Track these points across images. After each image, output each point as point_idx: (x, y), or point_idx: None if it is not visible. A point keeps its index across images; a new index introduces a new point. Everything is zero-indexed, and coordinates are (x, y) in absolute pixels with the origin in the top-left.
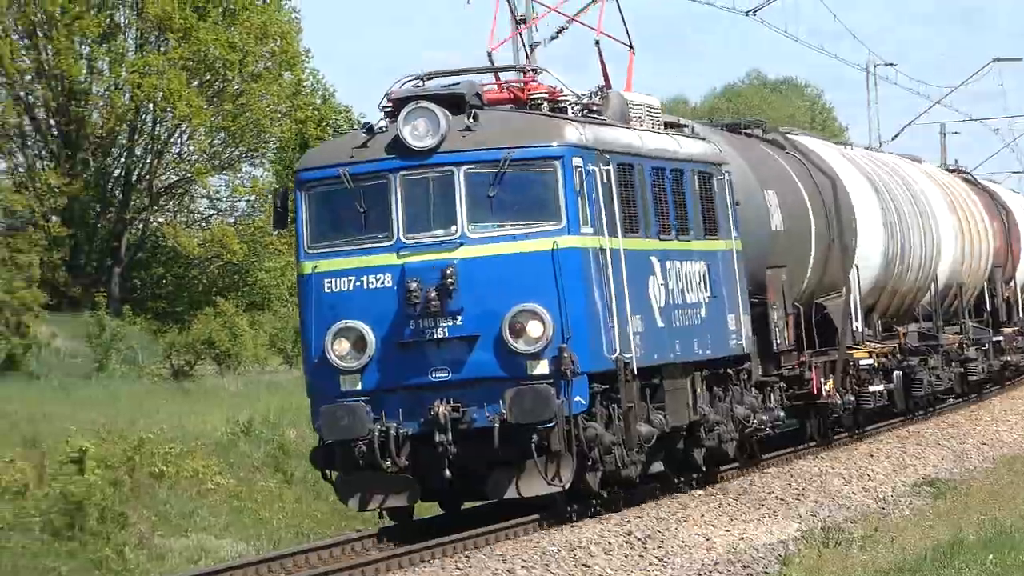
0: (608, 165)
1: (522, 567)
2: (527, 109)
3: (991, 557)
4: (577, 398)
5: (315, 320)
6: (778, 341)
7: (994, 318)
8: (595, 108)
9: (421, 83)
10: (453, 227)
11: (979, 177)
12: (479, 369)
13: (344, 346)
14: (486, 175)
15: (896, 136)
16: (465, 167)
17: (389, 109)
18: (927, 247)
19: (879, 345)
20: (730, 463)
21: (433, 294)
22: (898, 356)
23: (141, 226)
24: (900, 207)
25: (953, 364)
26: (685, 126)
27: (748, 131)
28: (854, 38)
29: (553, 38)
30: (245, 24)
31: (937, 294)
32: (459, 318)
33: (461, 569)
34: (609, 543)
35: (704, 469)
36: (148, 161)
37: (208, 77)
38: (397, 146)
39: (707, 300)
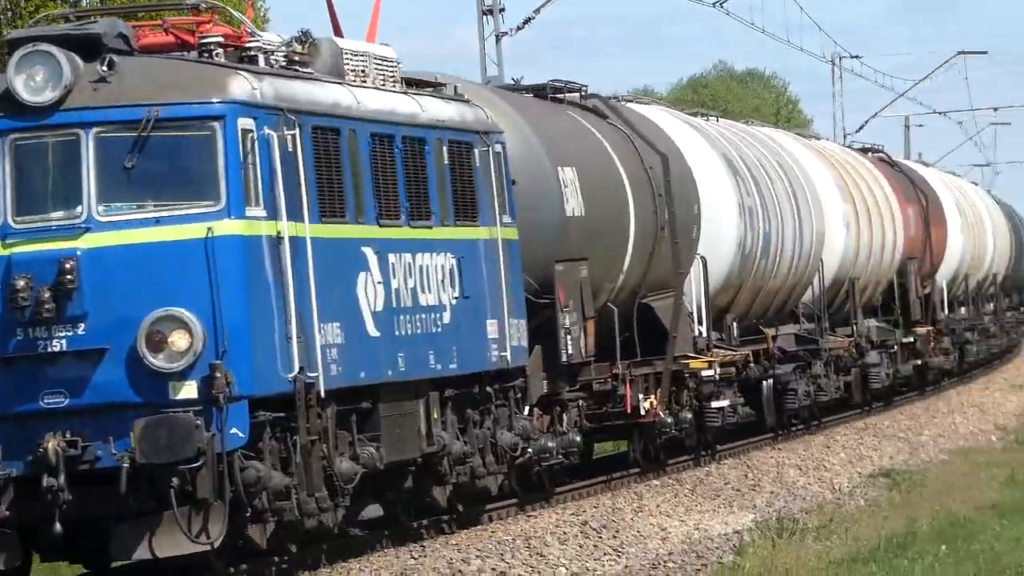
0: (295, 129)
1: (477, 556)
2: (198, 57)
3: (944, 548)
4: (233, 430)
5: None
6: (570, 351)
7: (905, 317)
8: (298, 58)
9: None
10: (77, 208)
11: (943, 165)
12: (106, 392)
13: None
14: (124, 140)
15: (860, 129)
16: (96, 129)
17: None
18: (806, 237)
19: (729, 352)
20: (500, 501)
21: (47, 295)
22: (764, 364)
23: None
24: (767, 191)
25: (853, 371)
26: (443, 85)
27: (557, 96)
28: (820, 30)
29: (519, 28)
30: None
31: (823, 291)
32: (81, 326)
33: (416, 559)
34: (564, 533)
35: (460, 509)
36: None
37: None
38: (7, 101)
39: (454, 302)
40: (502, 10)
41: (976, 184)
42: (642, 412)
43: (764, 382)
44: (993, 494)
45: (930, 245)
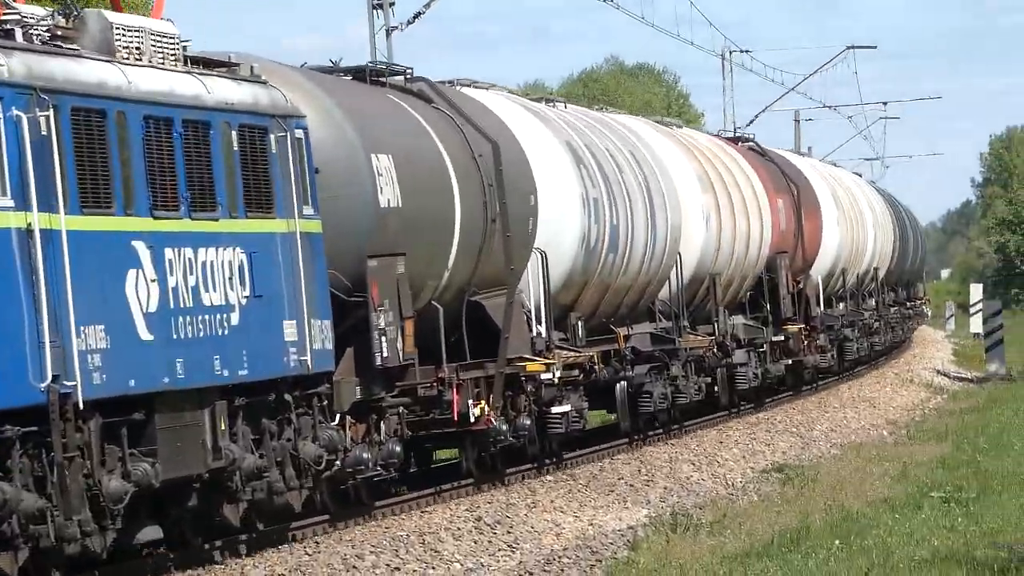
0: (49, 110)
1: (371, 552)
2: None
3: (837, 543)
4: None
5: None
6: (385, 353)
7: (775, 314)
8: (62, 33)
9: None
10: None
11: (833, 159)
12: None
13: None
14: None
15: (751, 122)
16: None
17: None
18: (660, 231)
19: (572, 353)
20: (310, 517)
21: None
22: (615, 365)
23: None
24: (616, 181)
25: (719, 371)
26: (236, 65)
27: (378, 79)
28: (710, 25)
29: (410, 22)
30: (104, 4)
31: (681, 288)
32: None
33: (310, 555)
34: (459, 528)
35: (260, 528)
36: None
37: None
38: None
39: (244, 302)
40: (392, 4)
41: (860, 175)
42: (471, 419)
43: (618, 385)
44: (885, 489)
45: (802, 238)
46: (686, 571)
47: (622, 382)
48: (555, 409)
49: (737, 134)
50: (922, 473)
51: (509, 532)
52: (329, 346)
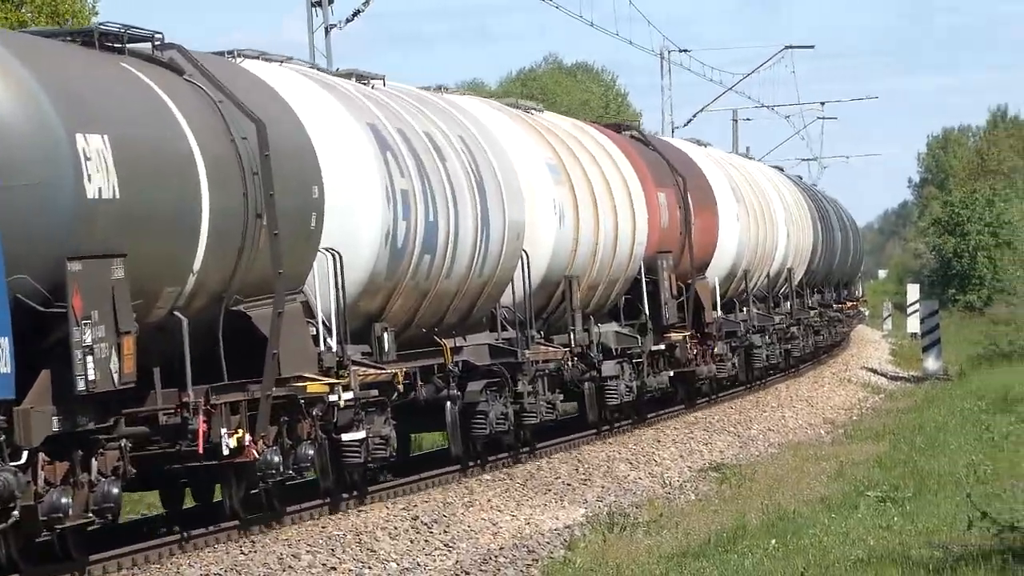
0: None
1: (307, 551)
2: None
3: (773, 542)
4: None
5: None
6: (92, 376)
7: (656, 321)
8: None
9: None
10: None
11: (768, 160)
12: None
13: None
14: None
15: (689, 122)
16: None
17: None
18: (495, 228)
19: (372, 371)
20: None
21: None
22: (436, 383)
23: None
24: (436, 171)
25: (587, 386)
26: None
27: (112, 45)
28: (649, 24)
29: (348, 20)
30: (35, 2)
31: (528, 293)
32: None
33: (246, 554)
34: (395, 527)
35: None
36: None
37: None
38: None
39: None
40: (331, 1)
41: (781, 169)
42: (226, 451)
43: (448, 404)
44: (821, 488)
45: (690, 236)
46: (622, 571)
47: (448, 402)
48: (346, 436)
49: (616, 122)
50: (859, 472)
51: (446, 531)
52: (6, 368)
